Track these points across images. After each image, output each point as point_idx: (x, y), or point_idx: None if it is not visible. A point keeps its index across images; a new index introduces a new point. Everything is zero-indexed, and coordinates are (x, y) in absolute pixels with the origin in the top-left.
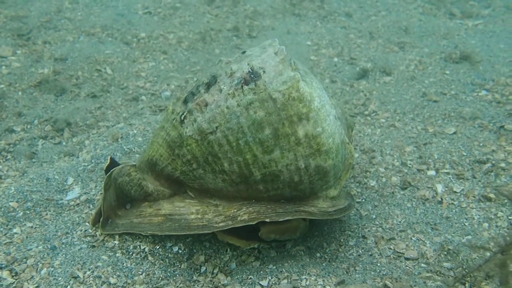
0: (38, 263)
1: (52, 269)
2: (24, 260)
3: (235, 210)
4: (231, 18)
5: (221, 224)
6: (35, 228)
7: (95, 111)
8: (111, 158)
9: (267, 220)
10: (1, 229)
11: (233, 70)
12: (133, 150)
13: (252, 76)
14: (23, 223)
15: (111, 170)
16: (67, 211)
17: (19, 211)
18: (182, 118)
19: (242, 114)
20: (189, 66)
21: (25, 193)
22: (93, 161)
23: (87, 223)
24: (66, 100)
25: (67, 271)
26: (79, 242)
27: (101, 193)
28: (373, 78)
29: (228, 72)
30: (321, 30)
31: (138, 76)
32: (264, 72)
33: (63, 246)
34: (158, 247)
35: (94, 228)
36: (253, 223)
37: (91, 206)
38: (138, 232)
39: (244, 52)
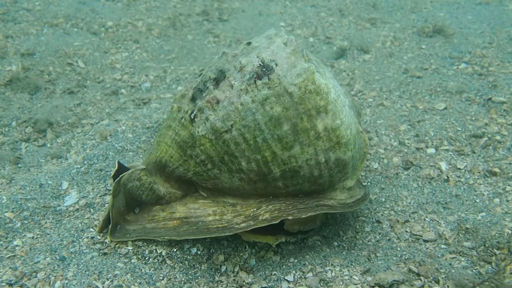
0: (50, 276)
1: (66, 281)
2: (34, 274)
3: (255, 209)
4: (198, 2)
5: (242, 225)
6: (37, 238)
7: (75, 108)
8: (118, 163)
9: (290, 217)
10: (1, 242)
11: (242, 64)
12: (126, 147)
13: (264, 69)
14: (23, 234)
15: (120, 176)
16: (67, 217)
17: (17, 222)
18: (192, 117)
19: (258, 110)
20: (164, 55)
21: (19, 202)
22: (85, 162)
23: (91, 229)
24: (41, 98)
25: (84, 282)
26: (89, 250)
27: (109, 198)
28: (352, 57)
29: (238, 66)
30: (292, 10)
31: (113, 68)
32: (276, 65)
33: (73, 255)
34: (175, 249)
35: (101, 234)
36: (276, 221)
37: (92, 210)
38: (154, 238)
39: (249, 43)
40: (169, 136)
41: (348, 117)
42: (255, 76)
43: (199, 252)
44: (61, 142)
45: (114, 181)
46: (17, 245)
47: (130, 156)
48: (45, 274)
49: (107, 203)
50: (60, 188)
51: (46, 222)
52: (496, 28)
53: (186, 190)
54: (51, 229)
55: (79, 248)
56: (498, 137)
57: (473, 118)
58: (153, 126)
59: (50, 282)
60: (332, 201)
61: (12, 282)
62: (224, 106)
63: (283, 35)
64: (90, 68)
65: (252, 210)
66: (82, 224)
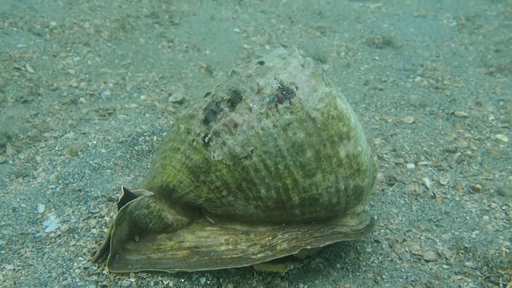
0: None
1: None
2: None
3: (270, 238)
4: (144, 2)
5: (260, 256)
6: (19, 271)
7: (32, 120)
8: (125, 189)
9: (309, 247)
10: None
11: (260, 86)
12: (102, 164)
13: (284, 93)
14: (2, 266)
15: (128, 204)
16: (49, 245)
17: None
18: (206, 141)
19: (279, 136)
20: (118, 60)
21: None
22: (60, 182)
23: (80, 258)
24: None
25: None
26: (84, 283)
27: (109, 226)
28: None
29: (255, 88)
30: (244, 16)
31: (67, 74)
32: (296, 88)
33: None
34: (183, 280)
35: (95, 264)
36: (295, 252)
37: (76, 236)
38: (162, 270)
39: (262, 63)
40: (178, 159)
41: (365, 143)
42: (275, 100)
43: (208, 282)
44: (24, 158)
45: (119, 208)
46: None
47: (108, 174)
48: None
49: (94, 227)
50: (36, 211)
51: (26, 252)
52: (438, 42)
53: (192, 216)
54: (33, 259)
55: (72, 281)
56: (469, 152)
57: (442, 133)
58: (127, 140)
59: None
60: (345, 228)
61: None
62: (243, 131)
63: (298, 55)
64: (41, 73)
65: (267, 239)
66: (69, 252)
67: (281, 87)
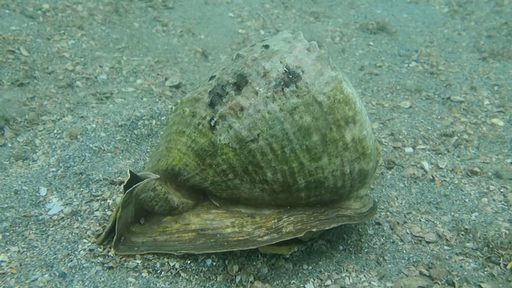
0: None
1: None
2: None
3: (276, 221)
4: None
5: (266, 238)
6: (24, 252)
7: (29, 103)
8: (131, 172)
9: (314, 230)
10: None
11: (266, 70)
12: (102, 148)
13: (290, 76)
14: (6, 248)
15: (134, 186)
16: (52, 227)
17: None
18: (212, 124)
19: (286, 119)
20: (113, 44)
21: None
22: (61, 165)
23: (85, 240)
24: None
25: None
26: (90, 265)
27: (115, 208)
28: None
29: (261, 72)
30: (238, 0)
31: (62, 57)
32: (303, 72)
33: (73, 271)
34: (189, 261)
35: (101, 246)
36: (301, 235)
37: (79, 219)
38: (168, 252)
39: (267, 46)
40: (183, 142)
41: (369, 127)
42: (282, 83)
43: (214, 263)
44: (23, 141)
45: (125, 191)
46: (2, 261)
47: (108, 157)
48: None
49: (96, 210)
50: (38, 194)
51: (30, 234)
52: (431, 27)
53: (197, 199)
54: (37, 241)
55: (78, 262)
56: (466, 136)
57: (439, 117)
58: (126, 124)
59: None
60: (349, 211)
61: None
62: (249, 114)
63: (303, 39)
64: (35, 56)
65: (273, 221)
66: (73, 234)
67: (287, 70)
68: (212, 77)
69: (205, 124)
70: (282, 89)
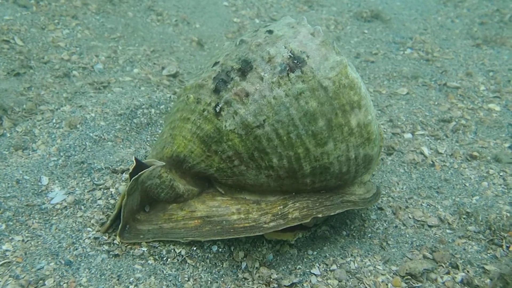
0: (61, 283)
1: None
2: (41, 282)
3: (281, 207)
4: None
5: (272, 224)
6: (28, 241)
7: (26, 92)
8: (136, 159)
9: (320, 215)
10: None
11: (271, 55)
12: (102, 137)
13: (295, 61)
14: (10, 237)
15: (140, 173)
16: (55, 216)
17: (0, 224)
18: (217, 110)
19: (292, 105)
20: (108, 33)
21: None
22: (61, 154)
23: (89, 228)
24: None
25: None
26: (96, 252)
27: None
28: None
29: (266, 57)
30: None
31: (57, 46)
32: (308, 57)
33: (79, 259)
34: (195, 248)
35: (106, 234)
36: (307, 220)
37: (82, 208)
38: (174, 240)
39: (271, 32)
40: (188, 129)
41: (374, 112)
42: (287, 69)
43: (220, 250)
44: (22, 131)
45: (131, 178)
46: (7, 250)
47: (109, 146)
48: (54, 281)
49: (99, 199)
50: (40, 183)
51: (33, 223)
52: (425, 15)
53: (202, 186)
54: (41, 230)
55: (84, 251)
56: (463, 122)
57: (436, 103)
58: (125, 113)
59: None
60: (354, 196)
61: None
62: (255, 100)
63: (307, 24)
64: (30, 46)
65: (278, 208)
66: (77, 223)
67: (292, 56)
68: (216, 63)
69: (210, 110)
70: (288, 74)
